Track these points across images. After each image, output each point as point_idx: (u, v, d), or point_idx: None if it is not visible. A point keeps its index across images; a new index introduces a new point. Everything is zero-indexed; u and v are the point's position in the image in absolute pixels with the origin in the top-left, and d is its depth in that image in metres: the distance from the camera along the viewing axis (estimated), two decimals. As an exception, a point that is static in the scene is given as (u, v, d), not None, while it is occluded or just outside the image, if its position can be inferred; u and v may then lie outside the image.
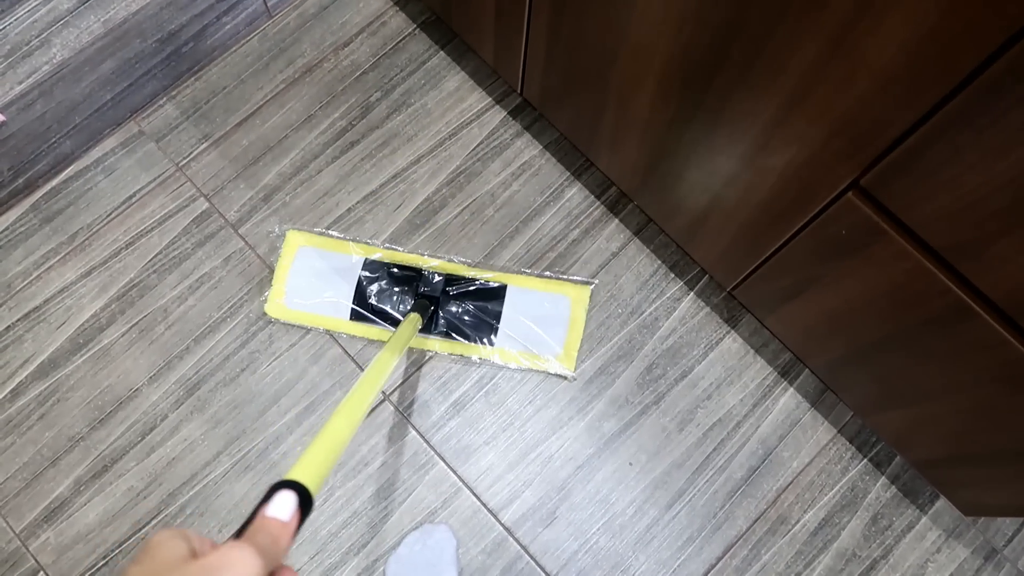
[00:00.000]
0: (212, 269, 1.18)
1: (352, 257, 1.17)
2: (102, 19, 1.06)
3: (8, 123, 1.07)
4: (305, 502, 0.43)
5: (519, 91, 1.12)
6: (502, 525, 1.07)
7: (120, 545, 1.06)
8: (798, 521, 1.09)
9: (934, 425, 0.87)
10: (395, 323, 1.14)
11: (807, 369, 1.15)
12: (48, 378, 1.13)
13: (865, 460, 1.12)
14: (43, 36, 1.01)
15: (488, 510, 1.08)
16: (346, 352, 1.14)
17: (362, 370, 1.13)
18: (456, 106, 1.26)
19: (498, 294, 1.16)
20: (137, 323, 1.15)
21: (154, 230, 1.19)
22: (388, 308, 1.15)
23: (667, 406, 1.13)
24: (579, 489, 1.09)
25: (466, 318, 1.15)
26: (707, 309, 1.17)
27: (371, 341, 1.15)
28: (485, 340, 1.14)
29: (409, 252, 1.18)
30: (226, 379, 1.13)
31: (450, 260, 1.17)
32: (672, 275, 1.18)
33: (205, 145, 1.24)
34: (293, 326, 1.15)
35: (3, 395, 1.12)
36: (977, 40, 0.48)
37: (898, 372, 0.85)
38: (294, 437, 1.10)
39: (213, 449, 1.10)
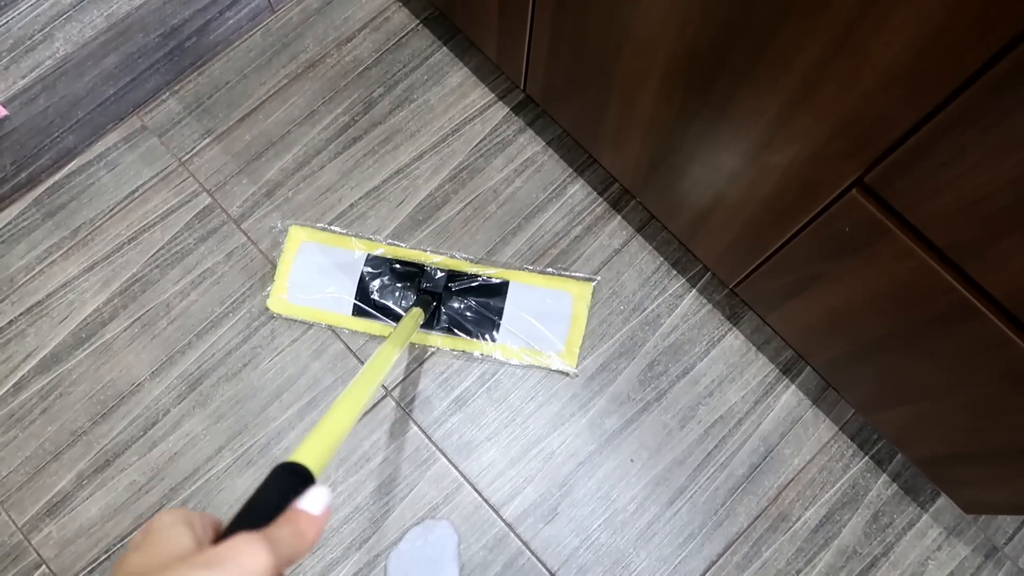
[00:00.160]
0: (214, 264, 1.18)
1: (354, 253, 1.17)
2: (105, 13, 1.06)
3: (11, 117, 1.07)
4: (308, 484, 0.44)
5: (522, 87, 1.12)
6: (503, 521, 1.08)
7: (122, 539, 1.07)
8: (799, 518, 1.09)
9: (936, 423, 0.87)
10: (397, 319, 1.14)
11: (809, 367, 1.15)
12: (50, 372, 1.13)
13: (866, 458, 1.12)
14: (46, 30, 1.01)
15: (490, 506, 1.08)
16: (348, 348, 1.14)
17: (364, 365, 1.13)
18: (459, 102, 1.26)
19: (500, 290, 1.16)
20: (139, 318, 1.15)
21: (156, 225, 1.19)
22: (390, 304, 1.15)
23: (669, 403, 1.13)
24: (580, 485, 1.09)
25: (468, 314, 1.15)
26: (709, 306, 1.17)
27: (373, 337, 1.15)
28: (487, 336, 1.14)
29: (412, 248, 1.18)
30: (228, 374, 1.13)
31: (452, 256, 1.17)
32: (674, 272, 1.18)
33: (208, 140, 1.24)
34: (295, 321, 1.15)
35: (6, 389, 1.12)
36: (982, 38, 0.48)
37: (900, 370, 0.85)
38: (296, 432, 1.10)
39: (215, 444, 1.10)
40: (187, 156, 1.23)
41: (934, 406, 0.85)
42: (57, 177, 1.21)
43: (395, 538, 1.06)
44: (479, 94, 1.26)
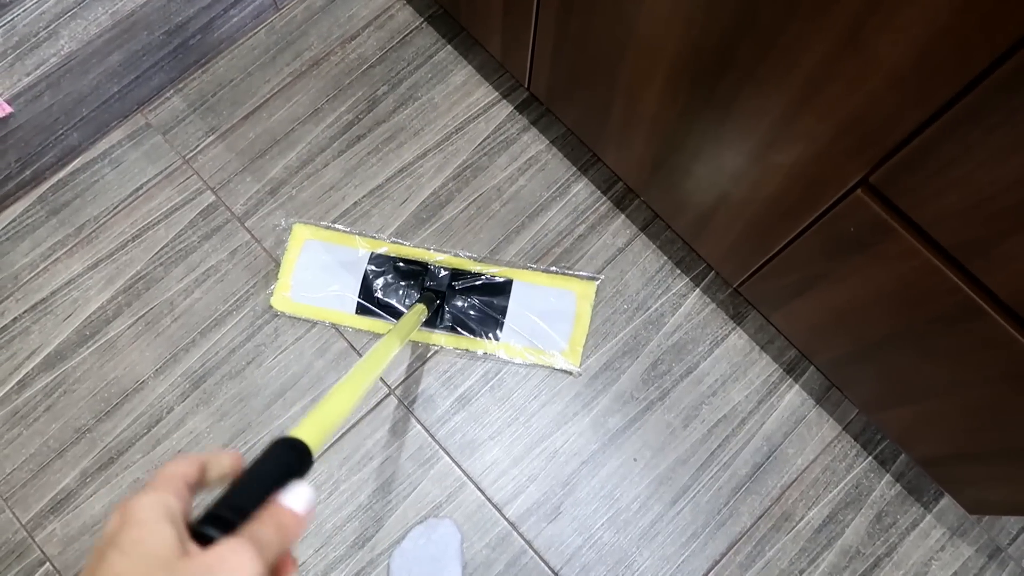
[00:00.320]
0: (218, 262, 1.18)
1: (358, 251, 1.17)
2: (109, 11, 1.06)
3: (15, 115, 1.07)
4: (305, 460, 0.44)
5: (526, 86, 1.12)
6: (506, 520, 1.08)
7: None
8: (802, 518, 1.09)
9: (940, 423, 0.87)
10: (401, 317, 1.14)
11: (812, 366, 1.15)
12: (54, 370, 1.13)
13: (870, 457, 1.12)
14: (51, 28, 1.01)
15: (493, 505, 1.08)
16: (352, 346, 1.14)
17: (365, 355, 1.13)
18: (463, 100, 1.26)
19: (504, 289, 1.16)
20: (143, 316, 1.15)
21: (160, 223, 1.20)
22: (394, 302, 1.15)
23: (672, 402, 1.13)
24: (584, 484, 1.09)
25: (472, 313, 1.15)
26: (713, 305, 1.17)
27: (377, 335, 1.15)
28: (491, 335, 1.14)
29: (415, 246, 1.18)
30: (232, 372, 1.13)
31: (456, 255, 1.17)
32: (678, 271, 1.18)
33: (212, 138, 1.24)
34: (299, 319, 1.15)
35: (10, 387, 1.12)
36: (989, 38, 0.48)
37: (904, 370, 0.85)
38: (299, 430, 1.10)
39: (219, 442, 1.10)
40: (191, 154, 1.23)
41: (938, 406, 0.85)
42: (61, 175, 1.21)
43: (398, 536, 1.06)
44: (483, 92, 1.26)
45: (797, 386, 1.14)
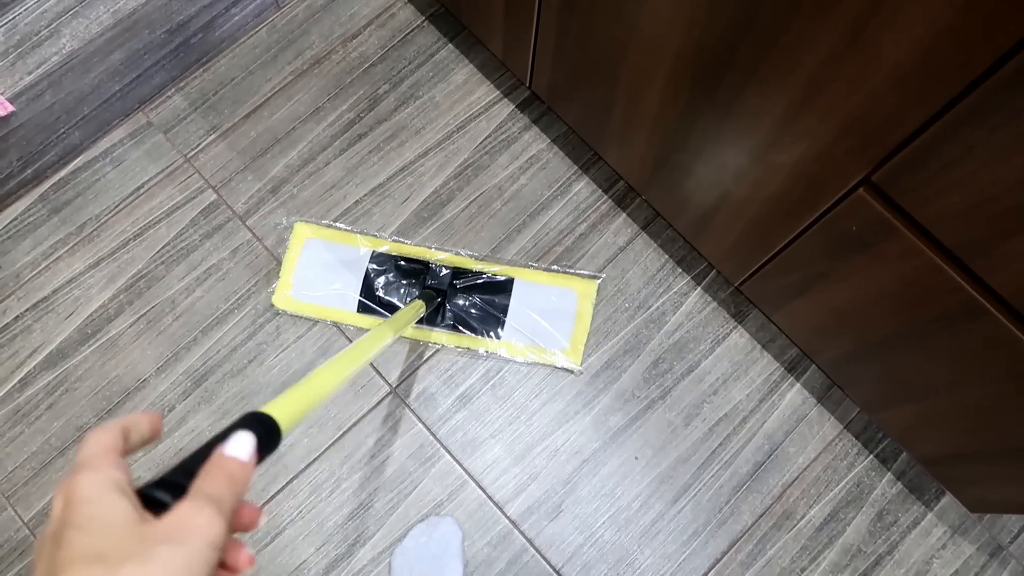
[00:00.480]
0: (220, 261, 1.18)
1: (359, 249, 1.17)
2: (111, 9, 1.06)
3: (17, 114, 1.07)
4: (274, 437, 0.43)
5: (528, 84, 1.12)
6: (508, 518, 1.08)
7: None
8: (803, 516, 1.09)
9: (941, 422, 0.87)
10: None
11: (814, 365, 1.15)
12: (56, 368, 1.13)
13: (871, 456, 1.12)
14: (52, 26, 1.01)
15: (494, 503, 1.08)
16: (353, 344, 1.14)
17: (369, 362, 1.14)
18: (464, 99, 1.26)
19: (505, 288, 1.16)
20: (145, 314, 1.16)
21: (162, 221, 1.20)
22: (395, 300, 1.15)
23: (673, 401, 1.13)
24: (585, 483, 1.09)
25: (473, 311, 1.15)
26: (714, 304, 1.17)
27: (378, 334, 1.15)
28: (492, 333, 1.14)
29: (416, 245, 1.18)
30: (233, 370, 1.13)
31: (457, 253, 1.17)
32: (679, 270, 1.18)
33: (213, 136, 1.24)
34: (300, 318, 1.15)
35: (12, 385, 1.13)
36: (992, 37, 0.48)
37: (906, 369, 0.85)
38: (300, 429, 1.11)
39: (220, 440, 1.10)
40: (192, 152, 1.23)
41: (939, 405, 0.85)
42: (63, 173, 1.21)
43: (399, 535, 1.06)
44: (484, 91, 1.26)
45: (798, 385, 1.14)
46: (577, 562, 1.06)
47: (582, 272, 1.17)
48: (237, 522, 0.36)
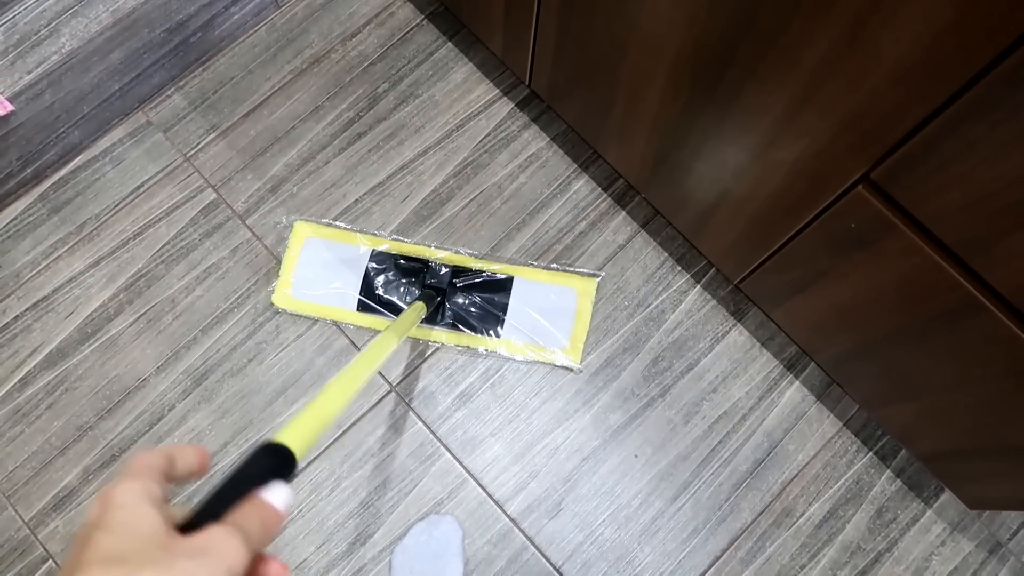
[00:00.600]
0: (219, 260, 1.18)
1: (359, 248, 1.17)
2: (111, 8, 1.06)
3: (17, 113, 1.07)
4: (289, 466, 0.44)
5: (527, 83, 1.12)
6: (508, 516, 1.08)
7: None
8: (803, 514, 1.09)
9: (941, 419, 0.87)
10: (400, 314, 1.15)
11: (813, 362, 1.15)
12: (56, 368, 1.13)
13: (870, 453, 1.12)
14: (52, 25, 1.01)
15: (494, 501, 1.08)
16: (353, 343, 1.14)
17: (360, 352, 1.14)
18: (464, 97, 1.26)
19: (505, 286, 1.16)
20: (145, 313, 1.16)
21: (162, 220, 1.20)
22: (395, 299, 1.15)
23: (673, 399, 1.13)
24: (585, 481, 1.09)
25: (472, 310, 1.15)
26: (713, 302, 1.17)
27: (378, 332, 1.15)
28: (491, 332, 1.14)
29: (416, 243, 1.18)
30: (233, 369, 1.13)
31: (457, 252, 1.17)
32: (679, 268, 1.18)
33: (213, 136, 1.24)
34: (300, 317, 1.15)
35: (12, 384, 1.13)
36: (992, 34, 0.48)
37: (905, 366, 0.85)
38: (301, 427, 1.10)
39: (220, 439, 1.10)
40: (192, 152, 1.23)
41: (939, 402, 0.85)
42: (62, 173, 1.21)
43: (400, 533, 1.06)
44: (484, 90, 1.26)
45: (798, 382, 1.14)
46: (577, 560, 1.07)
47: (581, 270, 1.17)
48: (264, 571, 0.36)
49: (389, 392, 1.12)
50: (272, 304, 1.15)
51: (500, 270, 1.16)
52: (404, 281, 1.16)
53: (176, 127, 1.24)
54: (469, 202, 1.21)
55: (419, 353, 1.14)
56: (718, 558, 1.08)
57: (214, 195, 1.21)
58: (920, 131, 0.58)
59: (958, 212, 0.61)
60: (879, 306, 0.79)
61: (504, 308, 1.15)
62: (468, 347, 1.14)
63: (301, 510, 1.07)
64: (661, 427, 1.12)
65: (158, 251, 1.18)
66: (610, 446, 1.11)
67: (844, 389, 1.10)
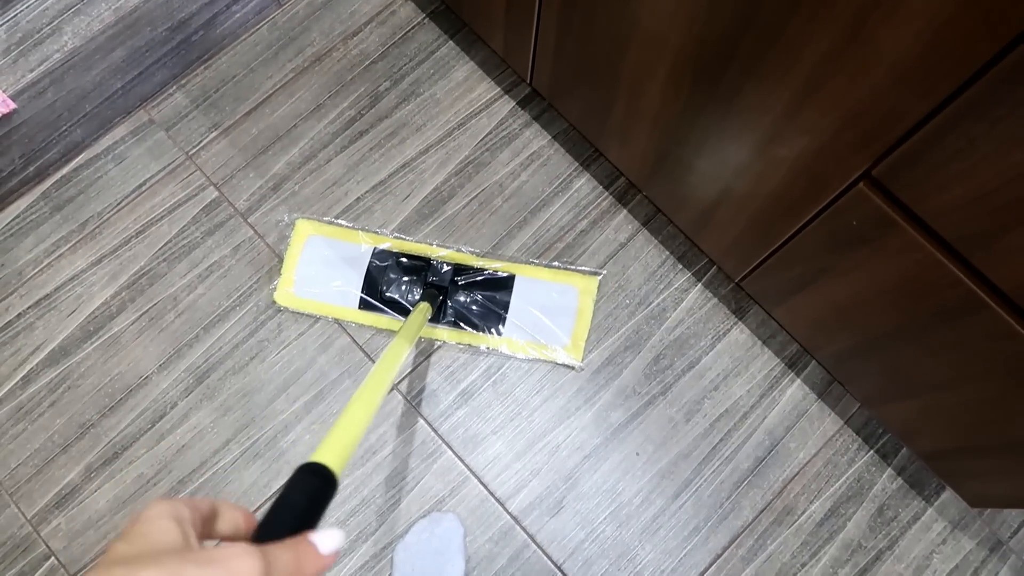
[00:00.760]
0: (221, 258, 1.18)
1: (361, 246, 1.18)
2: (113, 7, 1.06)
3: (19, 111, 1.07)
4: (331, 484, 0.45)
5: (528, 81, 1.12)
6: (509, 514, 1.08)
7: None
8: (804, 512, 1.09)
9: (942, 416, 0.87)
10: (404, 312, 1.15)
11: (814, 360, 1.15)
12: (59, 365, 1.13)
13: (871, 452, 1.12)
14: (54, 24, 1.02)
15: (495, 499, 1.09)
16: (355, 341, 1.15)
17: (371, 359, 1.14)
18: (465, 96, 1.26)
19: (506, 284, 1.16)
20: (147, 311, 1.16)
21: (164, 219, 1.20)
22: (397, 297, 1.15)
23: (674, 397, 1.13)
24: (586, 479, 1.10)
25: (474, 308, 1.15)
26: (715, 300, 1.17)
27: (380, 330, 1.15)
28: (493, 330, 1.14)
29: (418, 242, 1.18)
30: (235, 367, 1.13)
31: (459, 250, 1.17)
32: (680, 266, 1.18)
33: (215, 134, 1.24)
34: (302, 315, 1.15)
35: (14, 382, 1.13)
36: (993, 30, 0.48)
37: (907, 364, 0.85)
38: (303, 425, 1.11)
39: (222, 437, 1.11)
40: (194, 150, 1.23)
41: (940, 399, 0.85)
42: (65, 171, 1.21)
43: (402, 531, 1.07)
44: (485, 88, 1.26)
45: (799, 380, 1.14)
46: (578, 558, 1.07)
47: (583, 268, 1.17)
48: None
49: (391, 390, 1.12)
50: (274, 302, 1.15)
51: (502, 268, 1.16)
52: (406, 279, 1.17)
53: (178, 125, 1.24)
54: (470, 200, 1.21)
55: (421, 351, 1.14)
56: (719, 556, 1.08)
57: (216, 193, 1.21)
58: (921, 128, 0.58)
59: (959, 209, 0.61)
60: (880, 303, 0.80)
61: (506, 306, 1.15)
62: (470, 345, 1.14)
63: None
64: (662, 425, 1.12)
65: (160, 249, 1.18)
66: (611, 444, 1.11)
67: (845, 387, 1.10)
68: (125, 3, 1.07)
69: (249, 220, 1.20)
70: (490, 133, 1.24)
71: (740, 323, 1.16)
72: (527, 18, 0.97)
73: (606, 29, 0.84)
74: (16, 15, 0.97)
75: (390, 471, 1.09)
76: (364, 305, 1.15)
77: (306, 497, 0.42)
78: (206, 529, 0.37)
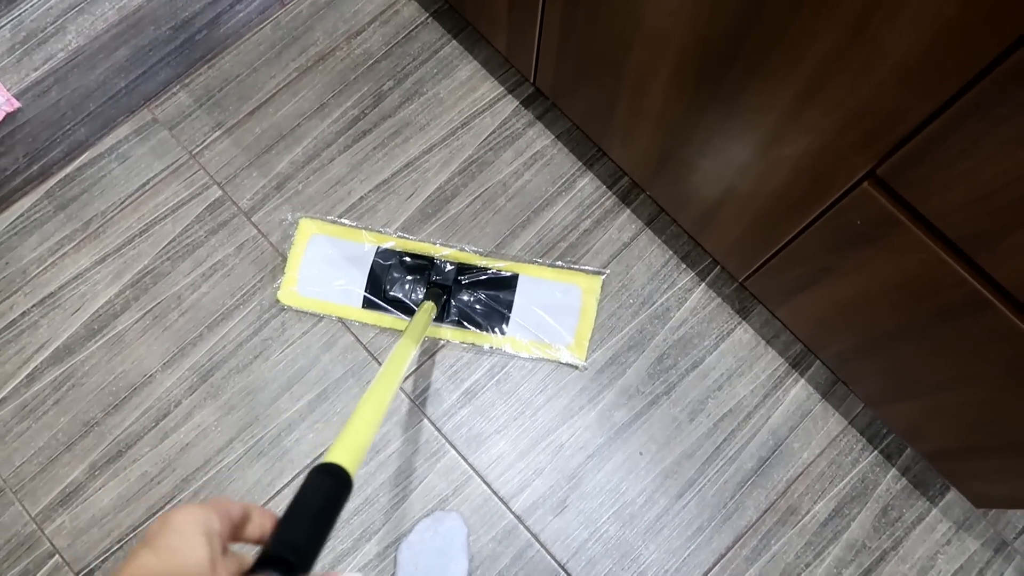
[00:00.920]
0: (225, 257, 1.18)
1: (364, 245, 1.18)
2: (116, 6, 1.06)
3: (23, 110, 1.07)
4: (346, 484, 0.45)
5: (532, 80, 1.12)
6: (513, 513, 1.08)
7: (134, 529, 1.08)
8: (808, 512, 1.09)
9: (946, 416, 0.87)
10: (407, 311, 1.15)
11: (818, 360, 1.15)
12: (63, 364, 1.14)
13: (875, 452, 1.12)
14: (58, 23, 1.02)
15: (499, 498, 1.09)
16: (358, 340, 1.15)
17: (374, 358, 1.14)
18: (468, 95, 1.26)
19: (510, 283, 1.16)
20: (151, 310, 1.16)
21: (167, 217, 1.20)
22: (400, 296, 1.16)
23: (678, 396, 1.13)
24: (589, 478, 1.10)
25: (478, 307, 1.15)
26: (718, 300, 1.17)
27: (383, 329, 1.15)
28: (497, 329, 1.14)
29: (421, 241, 1.18)
30: (239, 366, 1.14)
31: (462, 249, 1.17)
32: (683, 266, 1.18)
33: (218, 133, 1.24)
34: (305, 314, 1.15)
35: (19, 380, 1.13)
36: (997, 30, 0.48)
37: (911, 363, 0.85)
38: (306, 424, 1.11)
39: (226, 435, 1.11)
40: (197, 149, 1.23)
41: (944, 399, 0.85)
42: (69, 169, 1.22)
43: (405, 529, 1.07)
44: (489, 87, 1.26)
45: (803, 380, 1.14)
46: (582, 557, 1.07)
47: (586, 268, 1.17)
48: None
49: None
50: (277, 301, 1.15)
51: (505, 267, 1.16)
52: (409, 278, 1.17)
53: (182, 124, 1.25)
54: (474, 199, 1.21)
55: (425, 350, 1.15)
56: (723, 556, 1.08)
57: (219, 192, 1.21)
58: (925, 128, 0.58)
59: (963, 208, 0.61)
60: (884, 303, 0.79)
61: (509, 305, 1.15)
62: (473, 344, 1.14)
63: (306, 506, 1.07)
64: (666, 425, 1.12)
65: (164, 248, 1.19)
66: (615, 443, 1.11)
67: (849, 387, 1.09)
68: (129, 2, 1.07)
69: (253, 219, 1.20)
70: (493, 132, 1.24)
71: (744, 323, 1.16)
72: (530, 17, 0.96)
73: (609, 28, 0.84)
74: (20, 14, 0.97)
75: (394, 470, 1.09)
76: (367, 304, 1.15)
77: (323, 497, 0.43)
78: (236, 534, 0.37)
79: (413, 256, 1.17)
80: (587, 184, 1.21)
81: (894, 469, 1.11)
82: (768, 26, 0.63)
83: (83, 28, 1.04)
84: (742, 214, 0.90)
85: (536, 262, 1.17)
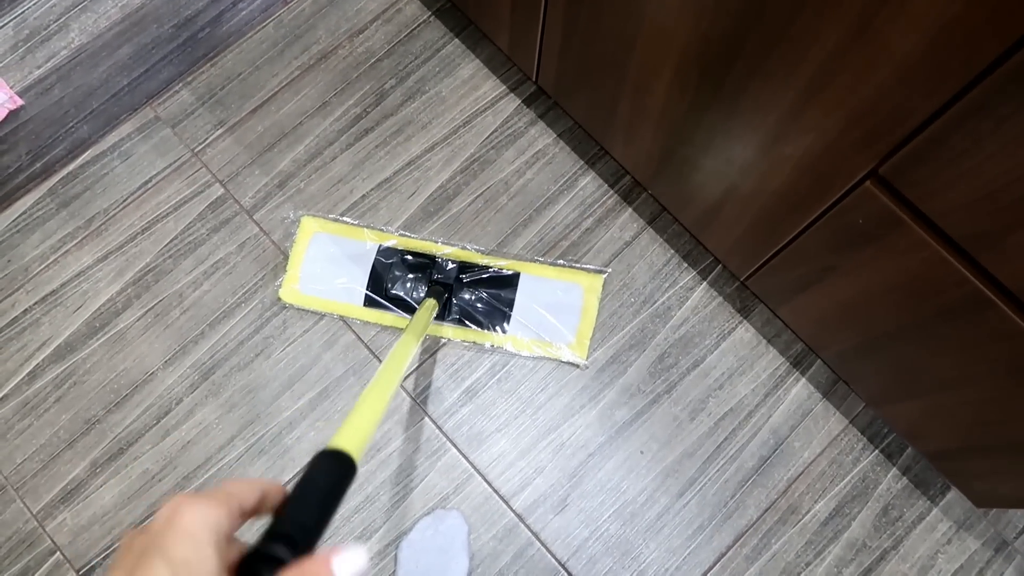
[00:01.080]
0: (227, 255, 1.18)
1: (366, 243, 1.18)
2: (119, 4, 1.06)
3: (26, 107, 1.07)
4: (350, 469, 0.45)
5: (534, 79, 1.12)
6: (513, 512, 1.08)
7: (135, 527, 1.08)
8: (809, 511, 1.09)
9: (947, 416, 0.87)
10: (409, 309, 1.15)
11: (819, 359, 1.15)
12: (65, 361, 1.14)
13: (876, 451, 1.12)
14: (61, 20, 1.02)
15: (500, 496, 1.09)
16: (359, 338, 1.15)
17: (375, 356, 1.14)
18: (470, 94, 1.26)
19: (511, 282, 1.16)
20: (153, 307, 1.16)
21: (170, 215, 1.20)
22: (402, 294, 1.16)
23: (679, 395, 1.13)
24: (590, 477, 1.10)
25: (479, 305, 1.15)
26: (720, 299, 1.17)
27: (384, 327, 1.15)
28: (498, 327, 1.14)
29: (423, 239, 1.18)
30: (240, 364, 1.14)
31: (464, 247, 1.17)
32: (685, 264, 1.18)
33: (220, 131, 1.24)
34: (307, 312, 1.16)
35: (20, 378, 1.13)
36: (999, 29, 0.48)
37: (912, 363, 0.85)
38: (307, 422, 1.11)
39: (227, 433, 1.11)
40: (200, 147, 1.24)
41: (946, 399, 0.85)
42: (71, 167, 1.22)
43: (406, 528, 1.07)
44: (491, 86, 1.26)
45: (804, 379, 1.14)
46: (583, 556, 1.07)
47: (588, 267, 1.17)
48: None
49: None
50: (279, 299, 1.16)
51: (507, 266, 1.16)
52: (411, 277, 1.17)
53: (184, 122, 1.25)
54: (476, 198, 1.21)
55: (426, 348, 1.15)
56: (723, 555, 1.08)
57: (222, 190, 1.21)
58: (928, 127, 0.58)
59: (966, 207, 0.61)
60: (886, 302, 0.79)
61: (510, 304, 1.15)
62: (474, 342, 1.14)
63: (307, 504, 1.08)
64: (667, 423, 1.12)
65: (166, 246, 1.19)
66: (616, 442, 1.11)
67: (850, 386, 1.10)
68: (132, 1, 1.07)
69: (255, 217, 1.20)
70: (495, 131, 1.24)
71: (745, 322, 1.16)
72: (533, 16, 0.97)
73: (612, 27, 0.84)
74: (24, 12, 0.97)
75: (395, 468, 1.09)
76: (369, 302, 1.15)
77: (329, 480, 0.43)
78: (249, 515, 0.38)
79: (415, 254, 1.17)
80: (589, 183, 1.22)
81: (895, 468, 1.11)
82: (770, 25, 0.63)
83: (86, 26, 1.04)
84: (744, 213, 0.90)
85: (538, 261, 1.17)
